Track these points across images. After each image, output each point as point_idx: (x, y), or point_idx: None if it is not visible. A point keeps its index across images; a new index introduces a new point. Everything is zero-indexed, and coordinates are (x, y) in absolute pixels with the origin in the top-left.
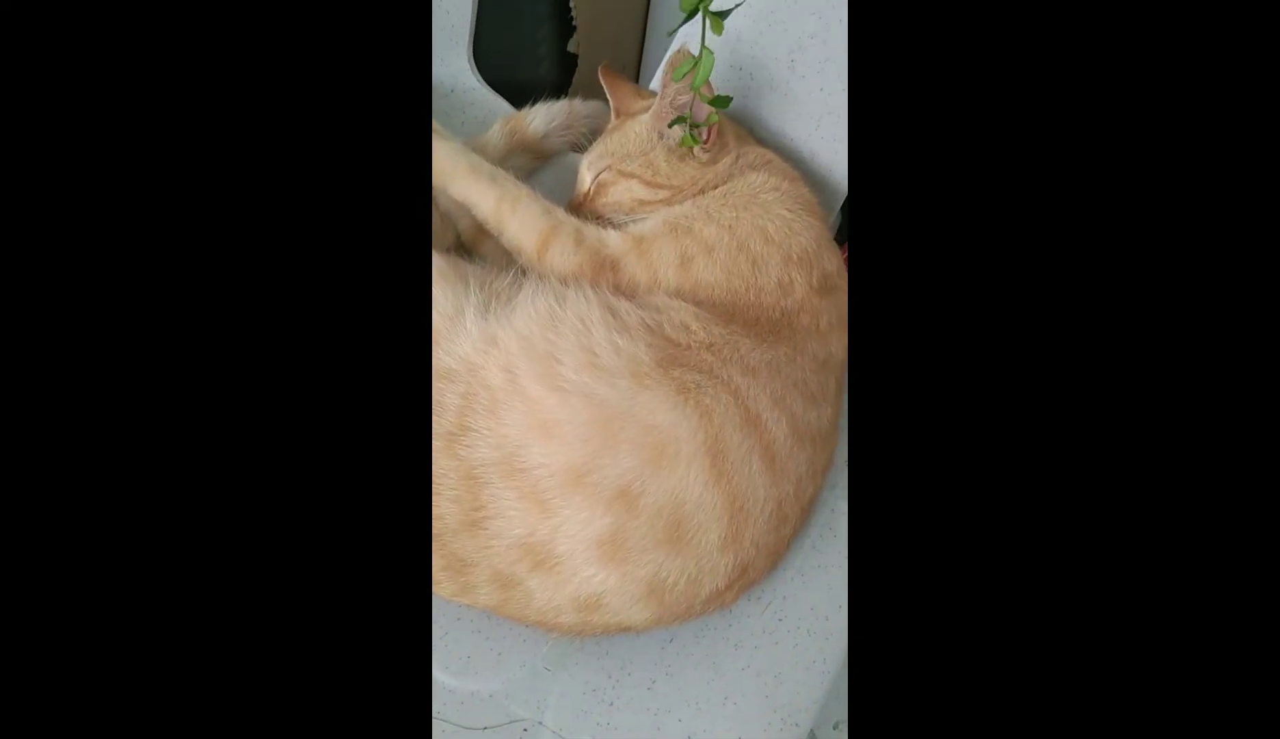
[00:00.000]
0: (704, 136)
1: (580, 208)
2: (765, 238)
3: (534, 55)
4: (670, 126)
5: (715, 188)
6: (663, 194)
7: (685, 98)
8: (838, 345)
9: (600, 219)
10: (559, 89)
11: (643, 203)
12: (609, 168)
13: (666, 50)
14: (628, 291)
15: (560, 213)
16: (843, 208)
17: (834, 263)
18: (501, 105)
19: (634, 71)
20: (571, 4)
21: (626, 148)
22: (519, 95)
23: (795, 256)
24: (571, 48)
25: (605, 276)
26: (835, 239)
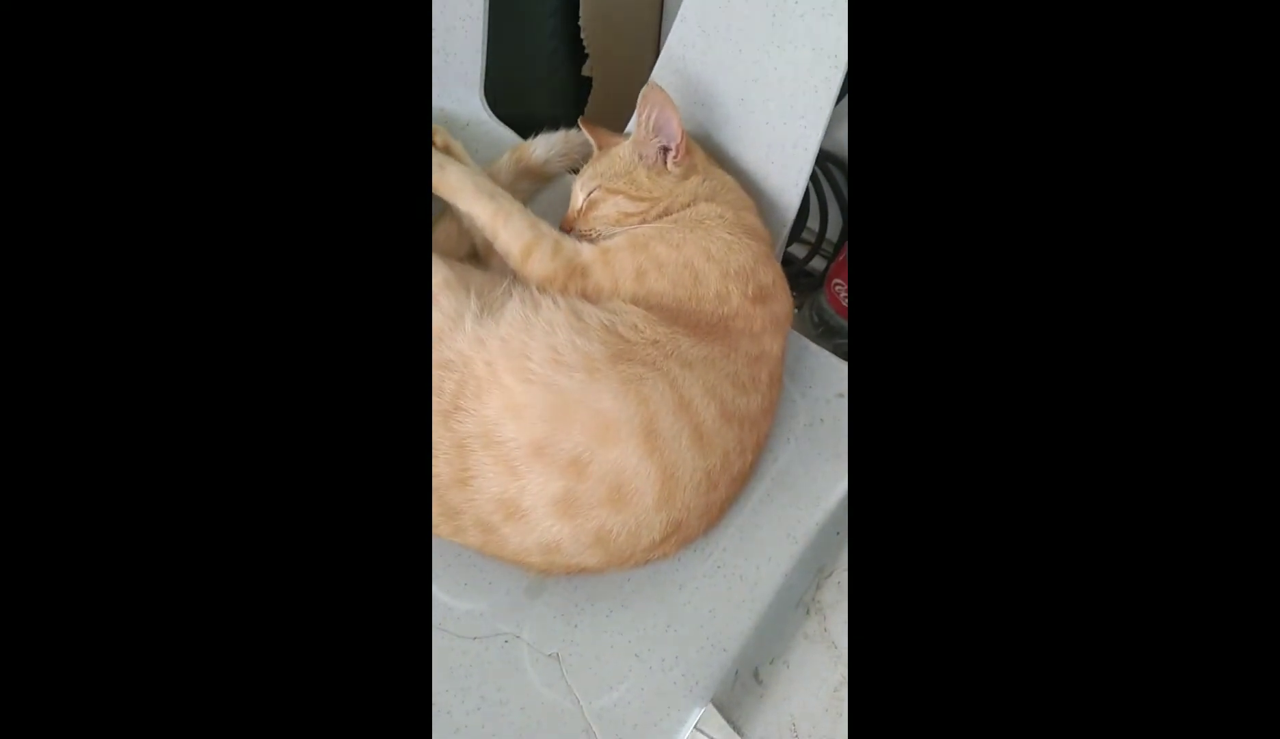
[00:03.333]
0: (675, 153)
1: (574, 222)
2: (707, 256)
3: (550, 81)
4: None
5: (687, 204)
6: (644, 205)
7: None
8: (771, 343)
9: (590, 232)
10: (577, 110)
11: (627, 215)
12: (599, 187)
13: None
14: (593, 296)
15: (544, 226)
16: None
17: (769, 276)
18: (510, 135)
19: None
20: (583, 33)
21: (613, 169)
22: (541, 118)
23: (733, 272)
24: (586, 71)
25: (575, 282)
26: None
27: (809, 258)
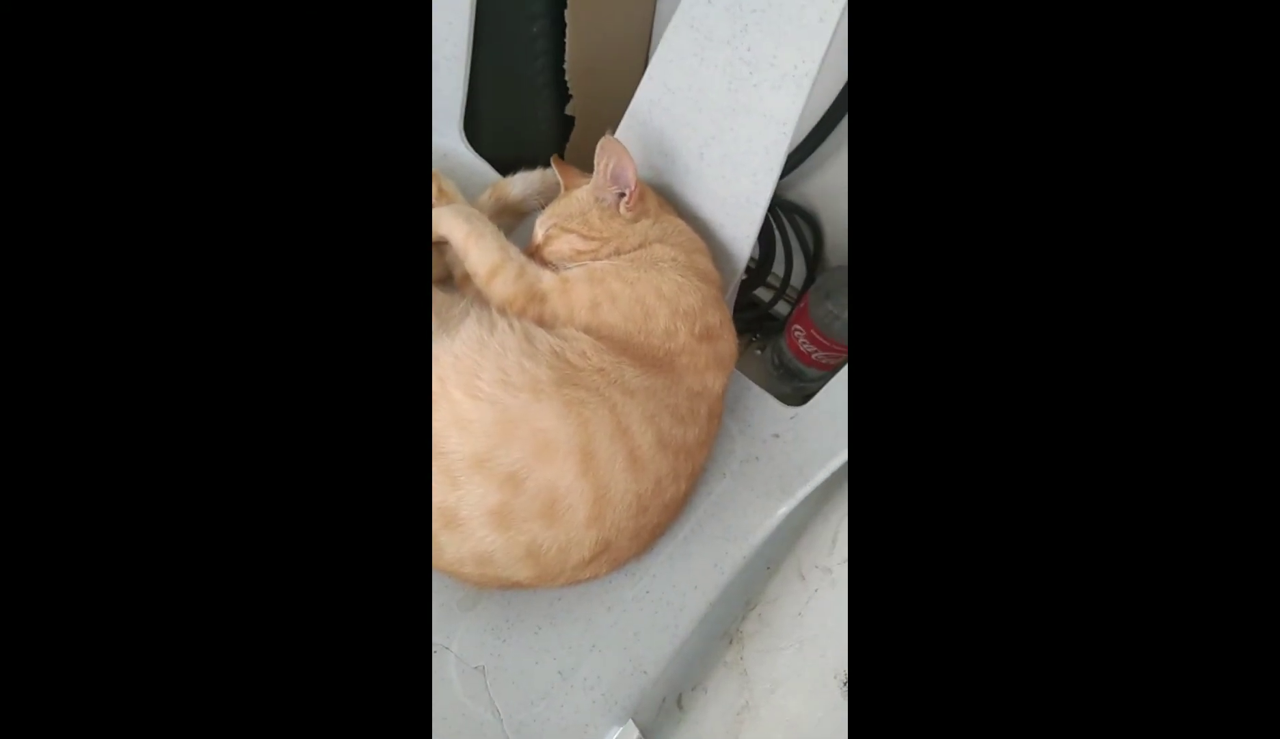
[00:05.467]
0: (629, 200)
1: (533, 255)
2: (659, 294)
3: (535, 119)
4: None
5: (636, 245)
6: (594, 244)
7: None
8: (713, 380)
9: (547, 265)
10: (559, 146)
11: (579, 252)
12: (555, 225)
13: None
14: (549, 321)
15: (513, 251)
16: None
17: (716, 317)
18: (483, 166)
19: None
20: (567, 75)
21: (569, 209)
22: (523, 153)
23: (682, 311)
24: (569, 111)
25: (534, 307)
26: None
27: (773, 302)
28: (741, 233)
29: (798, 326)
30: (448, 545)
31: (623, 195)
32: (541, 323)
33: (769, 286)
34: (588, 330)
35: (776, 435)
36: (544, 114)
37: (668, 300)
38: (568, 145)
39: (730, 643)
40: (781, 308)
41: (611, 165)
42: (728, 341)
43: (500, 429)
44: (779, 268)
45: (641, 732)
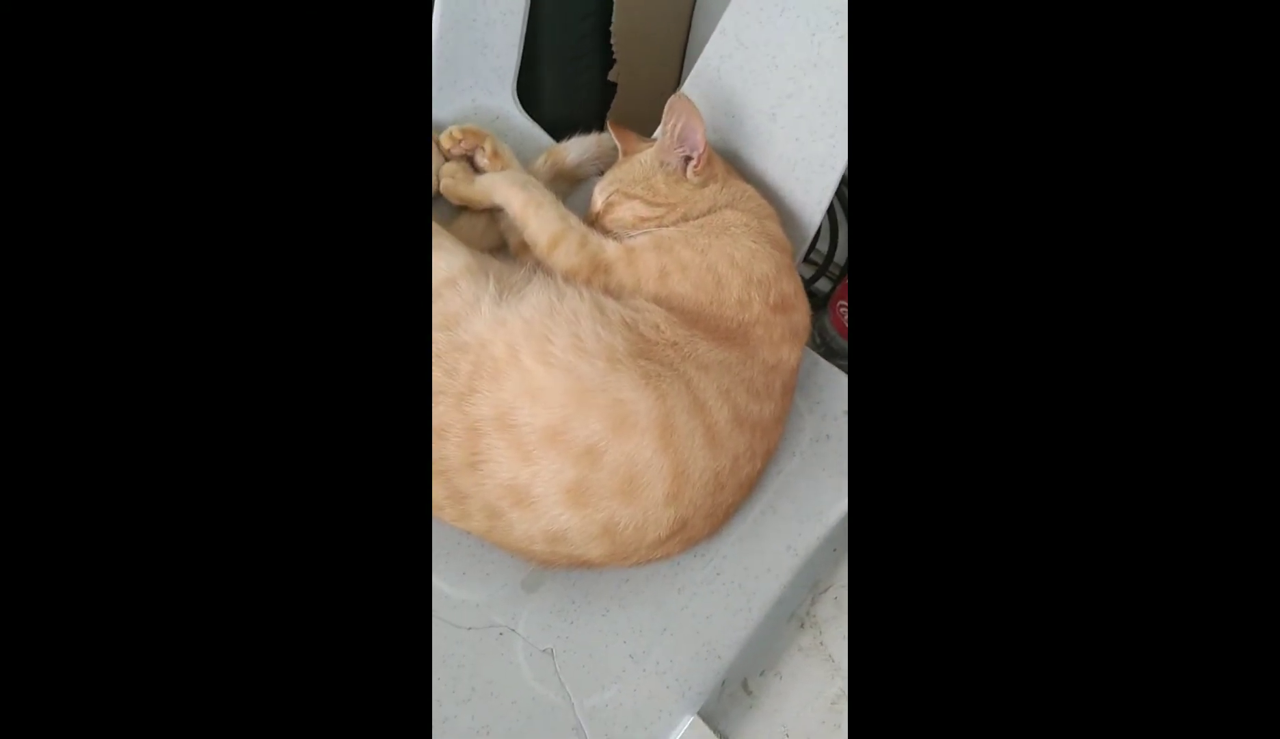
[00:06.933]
0: (697, 163)
1: (592, 224)
2: (731, 262)
3: (575, 83)
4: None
5: (704, 211)
6: (660, 210)
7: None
8: (788, 354)
9: (608, 234)
10: (596, 112)
11: (643, 219)
12: (617, 190)
13: None
14: (615, 293)
15: (574, 219)
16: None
17: (791, 286)
18: (535, 131)
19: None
20: (612, 39)
21: (632, 174)
22: (567, 120)
23: (755, 279)
24: (611, 77)
25: (599, 278)
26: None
27: (815, 278)
28: (812, 199)
29: (842, 302)
30: (518, 523)
31: (689, 159)
32: (607, 294)
33: (811, 262)
34: (657, 301)
35: (848, 413)
36: (585, 80)
37: (741, 268)
38: (609, 113)
39: (802, 627)
40: (823, 284)
41: (680, 125)
42: (802, 312)
43: (575, 399)
44: (822, 244)
45: (705, 718)
